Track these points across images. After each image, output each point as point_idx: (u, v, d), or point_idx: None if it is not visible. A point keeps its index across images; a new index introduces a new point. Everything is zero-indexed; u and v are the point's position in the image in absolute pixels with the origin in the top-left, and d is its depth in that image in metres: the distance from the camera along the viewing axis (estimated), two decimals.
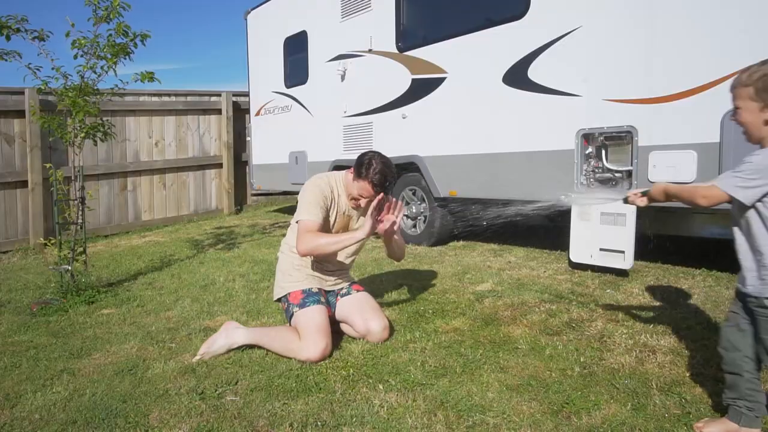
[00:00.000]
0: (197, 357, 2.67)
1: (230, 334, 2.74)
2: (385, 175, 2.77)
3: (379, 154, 2.86)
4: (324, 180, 2.93)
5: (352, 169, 2.87)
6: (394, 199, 2.80)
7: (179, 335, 3.11)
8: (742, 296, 1.81)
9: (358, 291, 2.99)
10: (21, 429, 2.13)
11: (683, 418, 1.93)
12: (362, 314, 2.85)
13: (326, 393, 2.25)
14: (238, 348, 2.73)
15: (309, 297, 2.82)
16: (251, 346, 2.74)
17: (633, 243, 3.57)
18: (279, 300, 2.99)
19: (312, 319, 2.73)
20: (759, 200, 1.69)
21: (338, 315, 2.94)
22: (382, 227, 2.73)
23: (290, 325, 2.81)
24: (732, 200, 1.73)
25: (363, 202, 2.88)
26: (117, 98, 5.37)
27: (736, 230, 1.81)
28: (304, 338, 2.65)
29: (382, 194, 2.72)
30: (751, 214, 1.73)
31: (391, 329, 2.88)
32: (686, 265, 3.82)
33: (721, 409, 1.95)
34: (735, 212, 1.79)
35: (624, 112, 3.67)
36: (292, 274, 2.92)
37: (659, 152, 3.50)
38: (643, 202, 2.08)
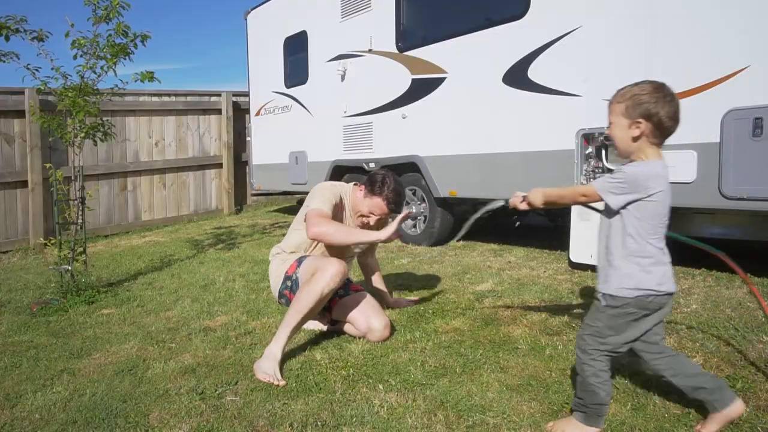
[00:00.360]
0: (283, 383, 2.36)
1: (266, 353, 2.51)
2: (399, 194, 2.84)
3: (392, 173, 2.90)
4: (337, 188, 2.95)
5: (362, 186, 2.89)
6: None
7: (179, 335, 3.11)
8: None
9: (356, 291, 2.98)
10: (21, 429, 2.13)
11: (683, 418, 1.93)
12: (363, 312, 2.83)
13: (326, 393, 2.25)
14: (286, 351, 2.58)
15: (304, 257, 2.85)
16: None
17: None
18: (281, 296, 2.93)
19: (317, 258, 2.78)
20: (624, 207, 1.83)
21: (337, 314, 2.92)
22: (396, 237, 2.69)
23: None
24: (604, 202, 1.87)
25: (372, 220, 2.91)
26: (117, 98, 5.38)
27: (599, 229, 1.96)
28: (320, 267, 2.62)
29: (409, 211, 2.72)
30: (615, 219, 1.87)
31: (392, 328, 2.88)
32: (686, 265, 3.82)
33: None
34: (603, 213, 1.94)
35: None
36: (286, 260, 2.92)
37: None
38: (523, 206, 2.13)
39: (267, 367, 2.43)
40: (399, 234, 2.69)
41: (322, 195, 2.85)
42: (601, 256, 1.95)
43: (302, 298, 2.58)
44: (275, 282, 2.96)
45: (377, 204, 2.84)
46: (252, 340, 2.92)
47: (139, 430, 2.05)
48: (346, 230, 2.80)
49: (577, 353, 1.95)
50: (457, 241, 2.80)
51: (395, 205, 2.83)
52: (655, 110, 1.79)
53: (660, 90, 1.82)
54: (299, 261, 2.85)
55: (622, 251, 1.86)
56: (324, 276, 2.57)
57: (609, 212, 1.89)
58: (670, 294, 1.86)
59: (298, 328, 2.63)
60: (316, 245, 2.97)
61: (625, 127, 1.84)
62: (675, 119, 1.84)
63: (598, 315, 1.92)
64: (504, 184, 4.49)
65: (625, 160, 1.90)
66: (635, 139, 1.84)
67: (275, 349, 2.51)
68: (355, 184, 3.03)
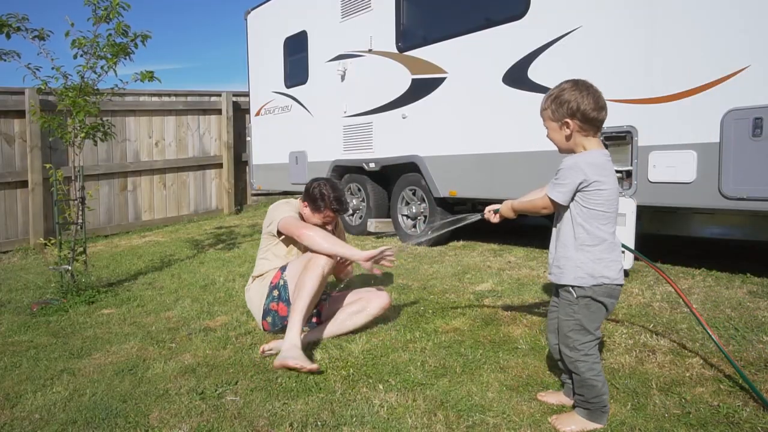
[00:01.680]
0: (315, 367, 2.42)
1: (286, 345, 2.54)
2: (340, 197, 2.95)
3: (323, 181, 2.98)
4: (291, 204, 3.06)
5: (306, 203, 2.99)
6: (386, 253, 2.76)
7: (179, 335, 3.11)
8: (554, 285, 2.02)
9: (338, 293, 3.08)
10: (21, 429, 2.13)
11: (683, 418, 1.94)
12: (358, 293, 2.99)
13: (326, 393, 2.25)
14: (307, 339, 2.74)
15: (285, 266, 2.93)
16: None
17: (633, 243, 3.57)
18: (266, 314, 2.91)
19: (302, 256, 2.88)
20: (572, 200, 1.87)
21: (331, 309, 2.97)
22: (371, 267, 2.75)
23: (291, 304, 2.75)
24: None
25: (329, 228, 3.02)
26: (117, 98, 5.39)
27: (553, 228, 1.99)
28: (312, 256, 2.75)
29: (385, 249, 2.73)
30: (566, 214, 1.91)
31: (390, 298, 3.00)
32: (686, 265, 3.82)
33: (721, 410, 1.96)
34: (557, 213, 1.97)
35: (624, 112, 3.66)
36: (265, 278, 2.99)
37: (659, 152, 3.50)
38: (496, 218, 2.25)
39: (295, 354, 2.46)
40: (375, 263, 2.73)
41: (285, 210, 2.97)
42: (552, 250, 1.98)
43: (306, 282, 2.67)
44: (258, 303, 2.96)
45: (326, 215, 2.97)
46: (252, 340, 2.92)
47: (139, 430, 2.06)
48: (331, 238, 2.84)
49: (565, 354, 1.95)
50: (417, 245, 2.87)
51: (340, 206, 2.96)
52: (576, 106, 1.85)
53: (576, 86, 1.88)
54: (282, 269, 2.93)
55: (573, 242, 1.89)
56: (320, 259, 2.70)
57: (561, 208, 1.92)
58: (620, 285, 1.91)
59: (308, 313, 2.69)
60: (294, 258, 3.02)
61: (557, 129, 1.92)
62: (599, 108, 1.87)
63: (573, 308, 1.91)
64: (504, 184, 4.49)
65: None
66: (568, 137, 1.91)
67: (293, 337, 2.56)
68: (301, 200, 3.09)
